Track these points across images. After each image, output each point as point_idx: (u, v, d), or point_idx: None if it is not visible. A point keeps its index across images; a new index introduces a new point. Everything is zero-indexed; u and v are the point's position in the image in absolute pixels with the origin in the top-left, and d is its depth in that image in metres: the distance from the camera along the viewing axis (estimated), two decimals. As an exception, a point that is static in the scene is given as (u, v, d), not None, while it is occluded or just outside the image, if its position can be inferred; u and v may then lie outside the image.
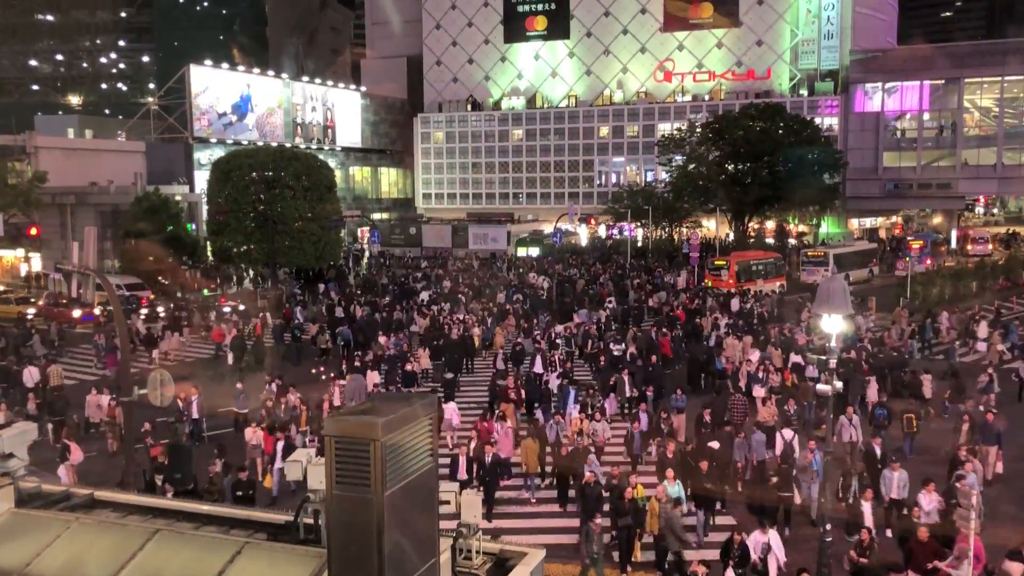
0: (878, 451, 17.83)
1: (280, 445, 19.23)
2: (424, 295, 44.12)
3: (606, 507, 16.00)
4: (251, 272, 52.83)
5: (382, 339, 31.69)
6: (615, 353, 29.40)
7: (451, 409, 22.85)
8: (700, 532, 16.44)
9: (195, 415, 22.84)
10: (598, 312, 38.39)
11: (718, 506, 17.60)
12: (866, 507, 15.24)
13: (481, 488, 17.07)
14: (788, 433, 19.98)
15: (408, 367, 27.78)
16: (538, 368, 27.37)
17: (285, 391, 23.61)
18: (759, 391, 24.04)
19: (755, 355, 28.78)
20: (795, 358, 27.76)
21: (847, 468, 16.90)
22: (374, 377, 26.81)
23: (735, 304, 39.47)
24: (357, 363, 27.89)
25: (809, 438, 19.53)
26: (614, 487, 16.21)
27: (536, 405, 24.76)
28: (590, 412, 21.83)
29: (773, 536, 13.99)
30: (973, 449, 18.35)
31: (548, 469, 19.72)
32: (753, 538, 13.90)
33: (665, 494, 15.44)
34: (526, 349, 30.17)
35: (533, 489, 19.35)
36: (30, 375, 27.24)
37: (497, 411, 22.29)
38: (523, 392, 24.52)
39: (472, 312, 38.63)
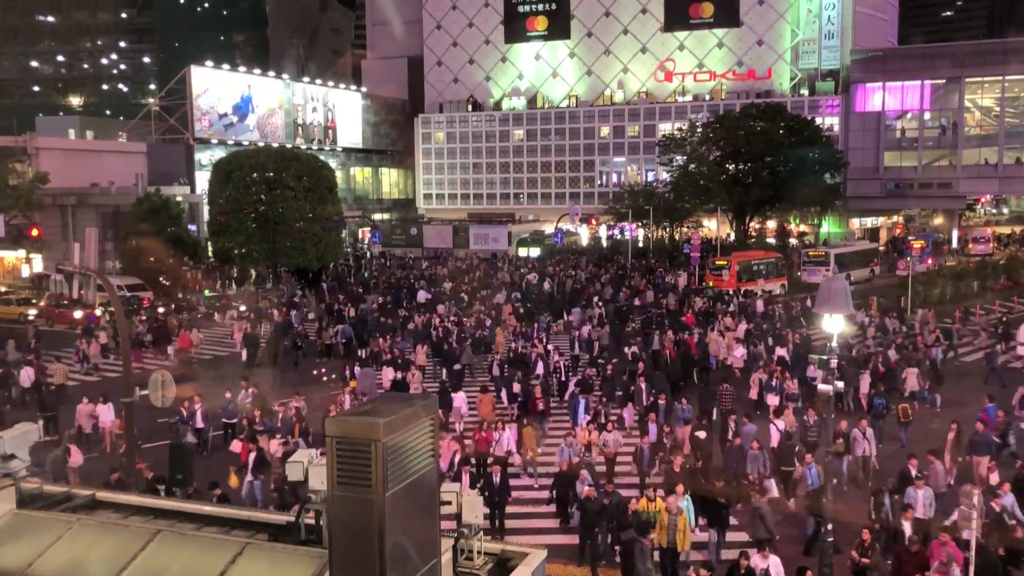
0: (914, 472, 16.80)
1: (252, 456, 18.54)
2: (423, 295, 44.35)
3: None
4: (254, 273, 52.85)
5: (380, 342, 31.51)
6: (629, 358, 28.95)
7: (460, 399, 23.78)
8: (713, 552, 15.72)
9: (199, 423, 22.25)
10: (591, 311, 38.54)
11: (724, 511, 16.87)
12: (907, 527, 14.68)
13: (489, 506, 16.52)
14: (781, 424, 20.44)
15: (399, 374, 26.69)
16: (539, 372, 27.07)
17: (263, 398, 23.25)
18: (773, 399, 23.30)
19: (739, 351, 29.71)
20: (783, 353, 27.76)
21: (879, 486, 16.34)
22: (389, 373, 26.93)
23: (759, 306, 39.17)
24: (359, 361, 28.06)
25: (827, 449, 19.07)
26: (607, 505, 15.70)
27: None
28: (602, 422, 21.14)
29: (773, 561, 13.52)
30: (935, 451, 17.92)
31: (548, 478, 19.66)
32: (752, 562, 13.45)
33: (675, 505, 15.09)
34: (526, 354, 29.36)
35: (536, 476, 19.97)
36: (27, 375, 27.39)
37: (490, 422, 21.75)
38: (549, 403, 23.86)
39: (474, 314, 38.59)
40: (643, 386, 24.17)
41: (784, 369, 26.10)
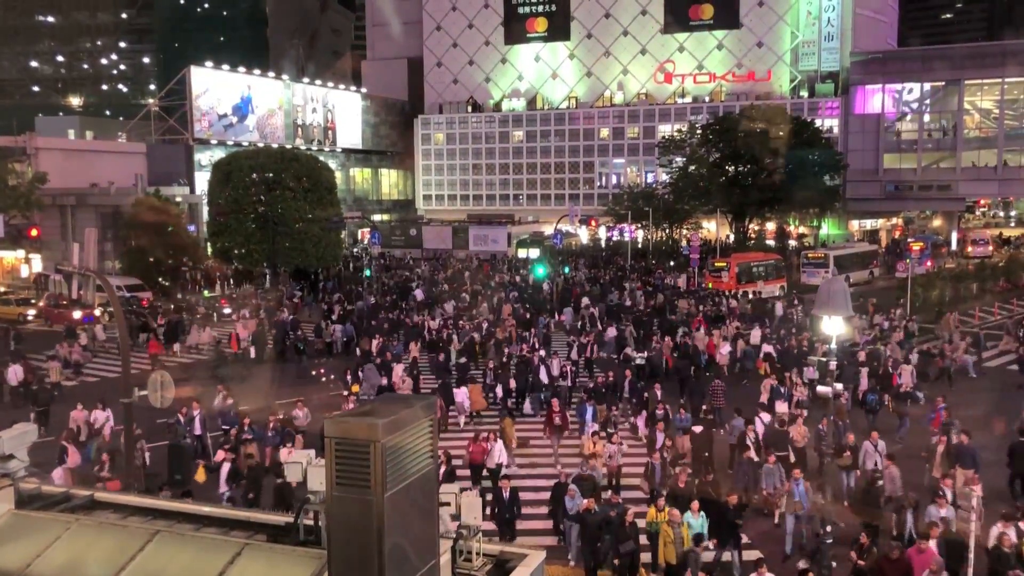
0: (949, 493, 16.11)
1: (226, 468, 17.84)
2: (418, 292, 44.52)
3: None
4: (255, 272, 52.83)
5: (372, 342, 31.20)
6: (637, 363, 28.69)
7: (462, 393, 24.35)
8: (736, 572, 15.01)
9: (197, 431, 21.50)
10: (583, 311, 38.68)
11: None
12: (933, 546, 13.99)
13: (499, 524, 16.13)
14: (767, 417, 20.76)
15: (384, 380, 26.43)
16: (544, 379, 26.58)
17: (236, 404, 22.62)
18: (782, 407, 22.70)
19: (725, 347, 30.35)
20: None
21: (901, 503, 15.86)
22: (399, 370, 27.20)
23: (779, 309, 38.85)
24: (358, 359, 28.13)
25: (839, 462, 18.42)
26: (612, 517, 15.10)
27: (526, 395, 25.74)
28: (610, 431, 20.64)
29: None
30: (892, 456, 17.65)
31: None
32: None
33: (680, 518, 14.68)
34: (529, 358, 28.78)
35: (512, 463, 20.44)
36: (14, 373, 27.62)
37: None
38: (567, 417, 22.59)
39: (479, 315, 38.49)
40: (658, 393, 23.51)
41: (775, 370, 26.17)
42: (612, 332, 33.49)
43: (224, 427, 22.04)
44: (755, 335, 32.15)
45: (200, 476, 18.21)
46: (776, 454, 18.48)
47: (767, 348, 30.12)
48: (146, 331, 35.95)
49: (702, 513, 15.15)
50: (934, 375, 28.34)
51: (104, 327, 37.14)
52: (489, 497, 16.51)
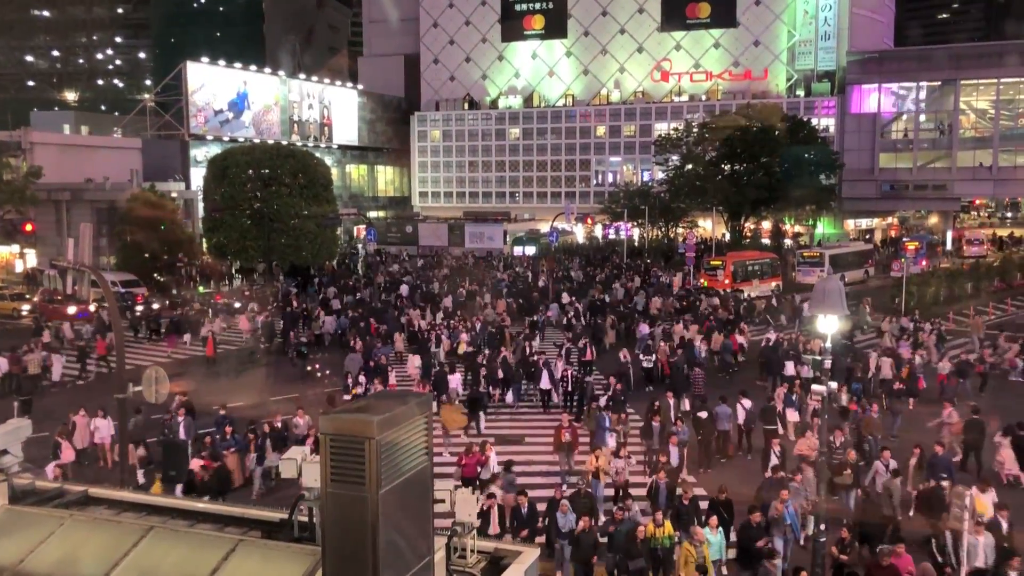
0: (1004, 525, 15.05)
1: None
2: (404, 288, 44.52)
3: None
4: (261, 268, 52.78)
5: (358, 343, 30.73)
6: (645, 365, 28.37)
7: (455, 380, 25.38)
8: None
9: (183, 435, 20.52)
10: (567, 307, 39.02)
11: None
12: None
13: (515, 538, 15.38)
14: (747, 402, 21.37)
15: (358, 389, 25.89)
16: (545, 384, 26.01)
17: (191, 403, 21.96)
18: (793, 415, 22.15)
19: (699, 341, 31.04)
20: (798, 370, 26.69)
21: (939, 529, 14.94)
22: (415, 361, 27.76)
23: (805, 308, 37.86)
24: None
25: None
26: (613, 533, 14.49)
27: (509, 387, 26.13)
28: (621, 441, 20.21)
29: None
30: (806, 458, 17.31)
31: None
32: None
33: (704, 537, 14.05)
34: (534, 360, 27.88)
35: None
36: None
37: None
38: (577, 432, 20.82)
39: (477, 313, 38.42)
40: (671, 402, 22.39)
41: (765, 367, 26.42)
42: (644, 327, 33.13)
43: (206, 431, 21.06)
44: (770, 337, 31.44)
45: (156, 489, 17.35)
46: (767, 428, 19.56)
47: (740, 339, 31.36)
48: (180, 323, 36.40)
49: (720, 530, 14.67)
50: (973, 384, 26.72)
51: (72, 325, 36.71)
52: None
